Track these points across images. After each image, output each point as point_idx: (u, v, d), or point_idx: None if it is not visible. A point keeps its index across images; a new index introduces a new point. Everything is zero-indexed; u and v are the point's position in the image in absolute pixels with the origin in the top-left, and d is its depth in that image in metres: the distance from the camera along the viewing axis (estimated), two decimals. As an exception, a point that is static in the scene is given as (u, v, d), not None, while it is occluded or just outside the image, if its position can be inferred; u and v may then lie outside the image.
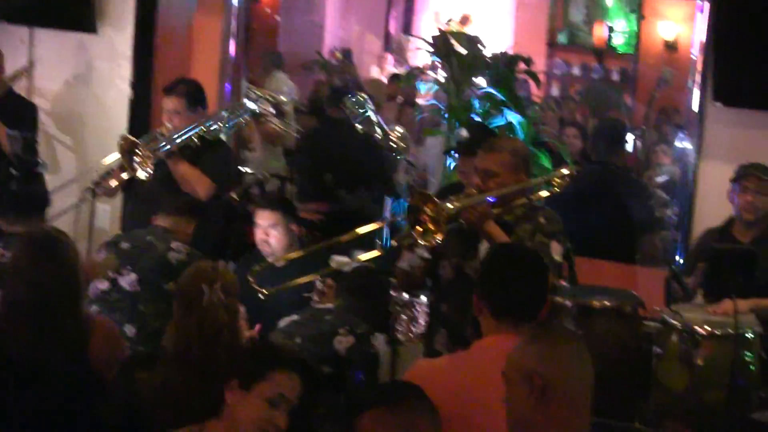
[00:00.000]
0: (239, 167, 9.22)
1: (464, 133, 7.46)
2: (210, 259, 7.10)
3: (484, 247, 5.50)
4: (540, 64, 14.79)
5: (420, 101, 10.87)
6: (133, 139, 7.00)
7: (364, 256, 6.67)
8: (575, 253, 7.17)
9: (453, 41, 8.18)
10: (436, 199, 5.11)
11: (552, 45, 16.20)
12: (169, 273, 6.08)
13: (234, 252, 7.03)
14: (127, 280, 6.15)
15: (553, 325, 4.02)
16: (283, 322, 5.97)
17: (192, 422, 4.15)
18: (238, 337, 4.74)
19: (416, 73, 9.80)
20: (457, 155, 7.48)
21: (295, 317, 5.96)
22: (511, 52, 8.94)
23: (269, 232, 6.91)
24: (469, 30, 15.60)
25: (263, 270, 6.46)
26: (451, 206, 5.27)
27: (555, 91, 15.75)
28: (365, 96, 9.07)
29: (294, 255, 6.56)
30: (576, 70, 16.09)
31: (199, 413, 4.23)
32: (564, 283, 6.81)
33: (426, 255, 5.47)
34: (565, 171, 5.84)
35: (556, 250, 5.45)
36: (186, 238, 6.39)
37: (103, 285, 6.13)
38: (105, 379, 4.60)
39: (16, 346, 4.51)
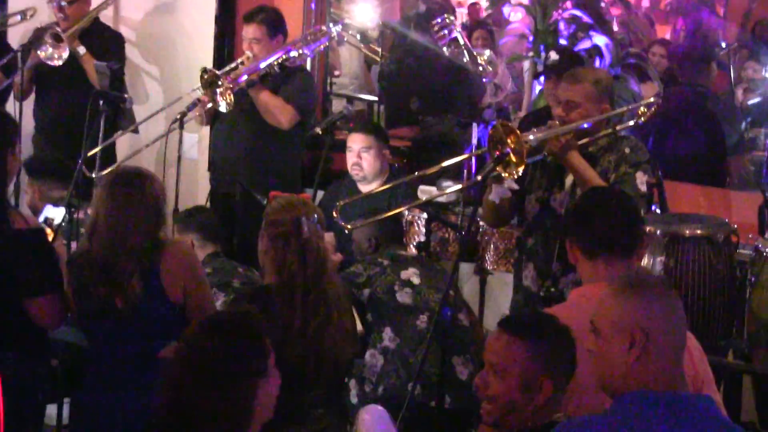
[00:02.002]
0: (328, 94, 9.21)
1: (554, 55, 7.33)
2: (298, 187, 7.20)
3: (569, 180, 5.43)
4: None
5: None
6: (215, 71, 7.00)
7: (452, 188, 6.65)
8: (666, 178, 7.08)
9: (538, -37, 8.04)
10: (517, 131, 5.02)
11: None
12: None
13: (321, 180, 7.01)
14: None
15: (643, 275, 3.90)
16: None
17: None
18: (334, 268, 4.75)
19: (502, -3, 9.67)
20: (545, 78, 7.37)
21: None
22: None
23: (362, 156, 6.93)
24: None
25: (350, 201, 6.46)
26: (533, 137, 5.19)
27: (645, 2, 15.40)
28: (452, 18, 8.96)
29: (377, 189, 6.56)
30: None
31: (308, 346, 4.42)
32: (656, 210, 6.74)
33: (515, 186, 5.39)
34: (651, 100, 5.72)
35: (642, 181, 5.35)
36: None
37: None
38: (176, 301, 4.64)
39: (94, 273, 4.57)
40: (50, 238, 5.16)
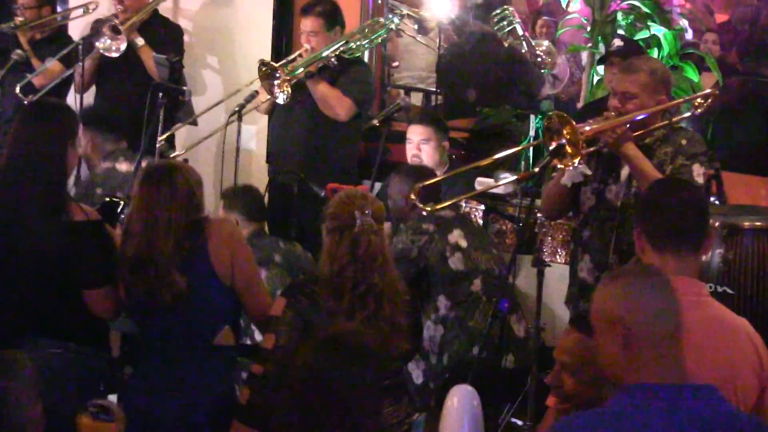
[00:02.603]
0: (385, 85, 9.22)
1: (618, 42, 7.30)
2: (355, 179, 7.23)
3: (624, 171, 5.40)
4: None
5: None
6: (273, 63, 7.04)
7: (509, 179, 6.64)
8: (725, 169, 7.02)
9: (596, -47, 8.01)
10: (573, 122, 5.01)
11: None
12: None
13: (379, 171, 7.03)
14: None
15: (635, 266, 3.87)
16: None
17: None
18: (390, 260, 4.75)
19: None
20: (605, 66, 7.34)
21: None
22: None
23: (421, 147, 6.94)
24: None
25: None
26: (589, 128, 5.17)
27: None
28: (511, 9, 8.94)
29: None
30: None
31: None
32: (714, 202, 6.69)
33: (588, 172, 5.38)
34: (708, 91, 5.68)
35: (698, 173, 5.31)
36: None
37: None
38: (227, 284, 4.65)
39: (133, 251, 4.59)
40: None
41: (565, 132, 4.97)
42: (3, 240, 4.64)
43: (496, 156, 6.03)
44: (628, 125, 5.25)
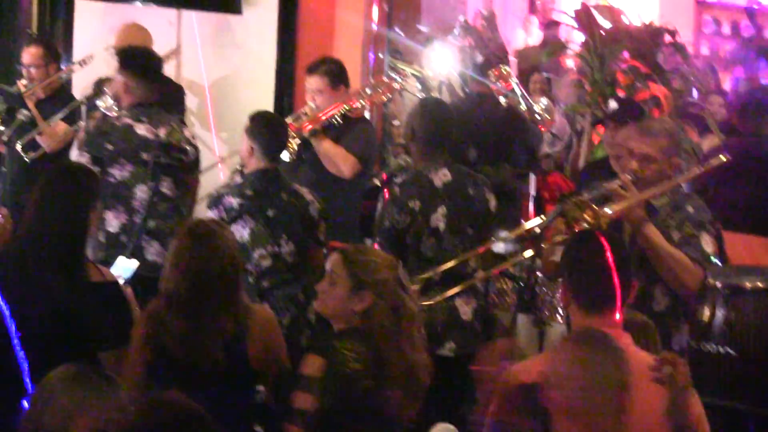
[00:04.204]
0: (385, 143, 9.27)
1: (613, 104, 7.35)
2: (357, 236, 7.25)
3: (627, 230, 5.42)
4: (687, 22, 14.49)
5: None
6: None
7: (507, 236, 6.65)
8: (725, 228, 7.05)
9: (596, 14, 8.06)
10: (594, 207, 5.01)
11: (700, 2, 15.80)
12: (312, 228, 6.32)
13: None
14: (286, 250, 6.26)
15: (581, 333, 3.92)
16: None
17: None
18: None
19: (559, 47, 9.69)
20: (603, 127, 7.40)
21: None
22: (656, 21, 8.77)
23: None
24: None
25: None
26: (611, 212, 5.13)
27: (704, 50, 15.39)
28: (509, 70, 8.99)
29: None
30: (726, 29, 15.68)
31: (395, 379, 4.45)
32: (715, 261, 6.70)
33: None
34: (721, 157, 5.70)
35: (707, 242, 5.35)
36: None
37: (266, 261, 6.24)
38: (260, 373, 4.69)
39: (174, 338, 4.59)
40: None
41: (586, 216, 4.99)
42: (21, 299, 4.65)
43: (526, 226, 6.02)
44: (645, 202, 5.25)
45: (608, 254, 4.10)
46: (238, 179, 6.44)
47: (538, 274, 6.44)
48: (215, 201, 6.26)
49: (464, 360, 5.98)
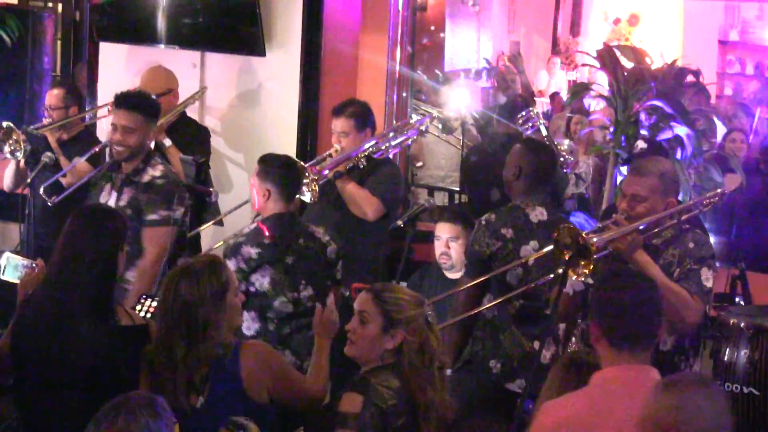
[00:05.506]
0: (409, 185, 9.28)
1: (642, 144, 7.36)
2: (382, 278, 7.25)
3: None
4: (711, 62, 14.46)
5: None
6: (301, 163, 7.11)
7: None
8: (749, 268, 7.03)
9: (619, 54, 8.06)
10: (582, 233, 5.08)
11: (724, 42, 15.79)
12: (329, 269, 6.35)
13: (404, 270, 7.06)
14: (306, 295, 6.27)
15: (690, 375, 3.95)
16: None
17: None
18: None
19: (582, 88, 9.70)
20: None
21: None
22: (679, 61, 8.76)
23: (450, 245, 6.96)
24: (638, 29, 15.59)
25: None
26: (598, 239, 5.18)
27: (728, 91, 15.37)
28: (536, 111, 9.02)
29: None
30: (749, 69, 15.66)
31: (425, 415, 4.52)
32: (740, 302, 6.69)
33: (590, 281, 5.42)
34: (717, 191, 5.75)
35: (707, 277, 5.35)
36: None
37: (288, 308, 6.26)
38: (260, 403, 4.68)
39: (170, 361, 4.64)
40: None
41: (575, 244, 5.04)
42: (51, 345, 4.68)
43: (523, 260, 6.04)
44: (638, 231, 5.29)
45: (640, 293, 4.17)
46: (253, 226, 6.44)
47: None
48: (233, 251, 6.27)
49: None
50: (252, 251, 6.22)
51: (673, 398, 3.28)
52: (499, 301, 6.01)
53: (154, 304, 5.49)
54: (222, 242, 7.53)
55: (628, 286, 4.23)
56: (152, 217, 6.66)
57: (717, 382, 3.40)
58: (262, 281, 6.19)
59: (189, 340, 4.61)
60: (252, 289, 6.18)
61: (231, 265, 6.07)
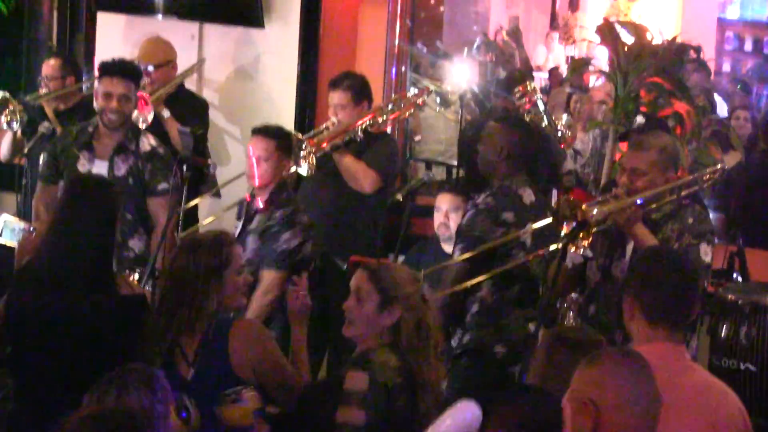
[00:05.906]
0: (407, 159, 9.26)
1: (640, 119, 7.34)
2: (379, 252, 7.24)
3: (630, 247, 5.44)
4: (710, 39, 14.42)
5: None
6: (298, 134, 7.09)
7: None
8: (747, 244, 7.02)
9: (619, 30, 8.02)
10: (583, 206, 5.07)
11: (722, 19, 15.73)
12: None
13: (402, 244, 7.05)
14: None
15: (615, 349, 3.94)
16: None
17: None
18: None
19: (582, 64, 9.67)
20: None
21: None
22: (679, 37, 8.71)
23: (450, 216, 6.95)
24: (637, 5, 15.52)
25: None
26: (597, 211, 5.20)
27: (726, 68, 15.34)
28: (534, 86, 8.98)
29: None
30: (748, 46, 15.61)
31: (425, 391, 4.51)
32: (737, 279, 6.68)
33: (589, 254, 5.42)
34: (717, 167, 5.75)
35: (705, 252, 5.35)
36: None
37: None
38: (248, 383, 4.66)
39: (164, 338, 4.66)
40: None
41: (575, 216, 5.03)
42: (50, 315, 4.67)
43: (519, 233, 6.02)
44: (637, 204, 5.28)
45: (679, 270, 4.18)
46: None
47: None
48: None
49: None
50: None
51: (593, 372, 3.27)
52: (482, 278, 5.97)
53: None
54: (213, 217, 7.53)
55: (670, 262, 4.24)
56: (163, 186, 6.79)
57: (640, 360, 3.34)
58: None
59: (180, 309, 4.63)
60: None
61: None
